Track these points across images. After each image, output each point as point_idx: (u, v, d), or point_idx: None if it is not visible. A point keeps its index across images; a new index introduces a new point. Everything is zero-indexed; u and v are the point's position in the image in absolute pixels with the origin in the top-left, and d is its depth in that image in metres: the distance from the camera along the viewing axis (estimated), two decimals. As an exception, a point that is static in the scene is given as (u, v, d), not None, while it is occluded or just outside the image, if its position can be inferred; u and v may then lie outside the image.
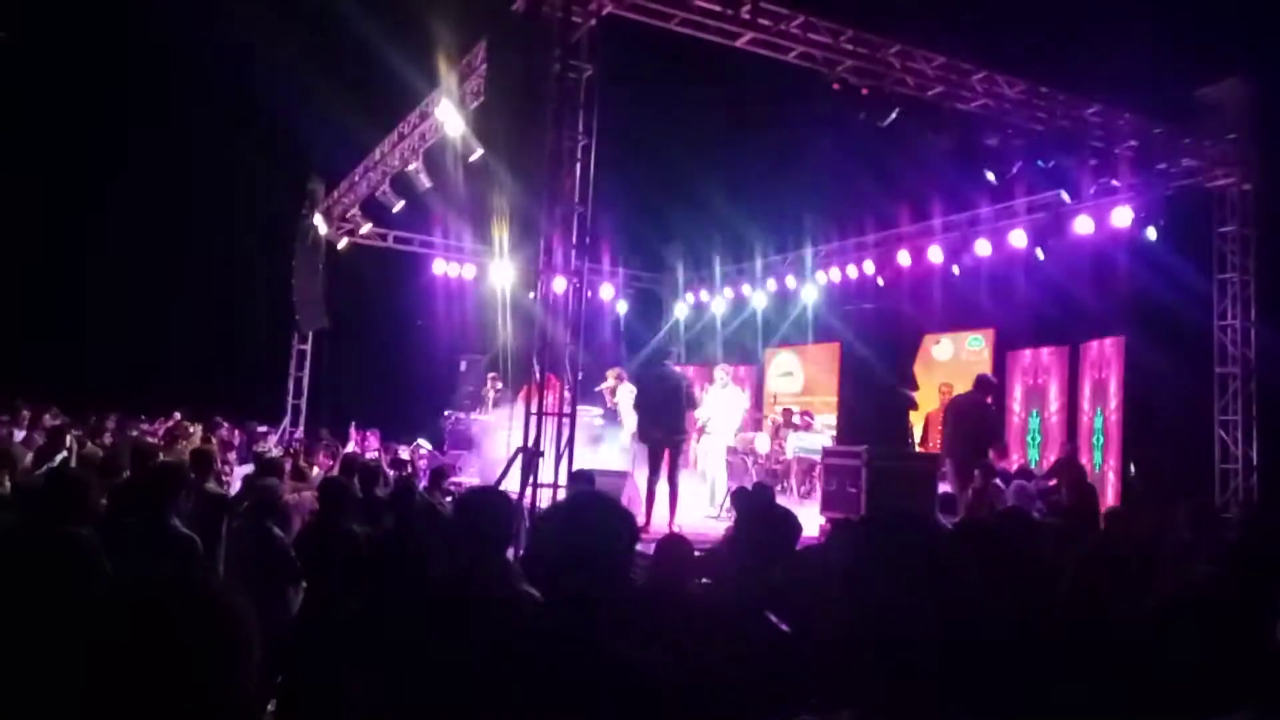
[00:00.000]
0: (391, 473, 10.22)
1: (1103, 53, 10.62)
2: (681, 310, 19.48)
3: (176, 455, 9.14)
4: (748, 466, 13.25)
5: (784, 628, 2.85)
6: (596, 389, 12.63)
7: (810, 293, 16.59)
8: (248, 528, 5.30)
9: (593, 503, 1.93)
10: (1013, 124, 10.51)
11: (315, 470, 9.43)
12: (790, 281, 16.99)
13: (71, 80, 16.29)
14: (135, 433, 10.93)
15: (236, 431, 13.29)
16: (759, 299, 17.75)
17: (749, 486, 10.09)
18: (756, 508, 3.48)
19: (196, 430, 11.07)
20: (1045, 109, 10.70)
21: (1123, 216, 11.60)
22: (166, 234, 17.24)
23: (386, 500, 6.44)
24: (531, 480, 7.88)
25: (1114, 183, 11.30)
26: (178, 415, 12.34)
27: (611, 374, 12.75)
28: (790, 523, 3.84)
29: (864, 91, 9.72)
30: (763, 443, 13.67)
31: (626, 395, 11.94)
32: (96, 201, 17.11)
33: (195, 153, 16.76)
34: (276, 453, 11.00)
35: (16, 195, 15.81)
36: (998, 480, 9.73)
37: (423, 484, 9.03)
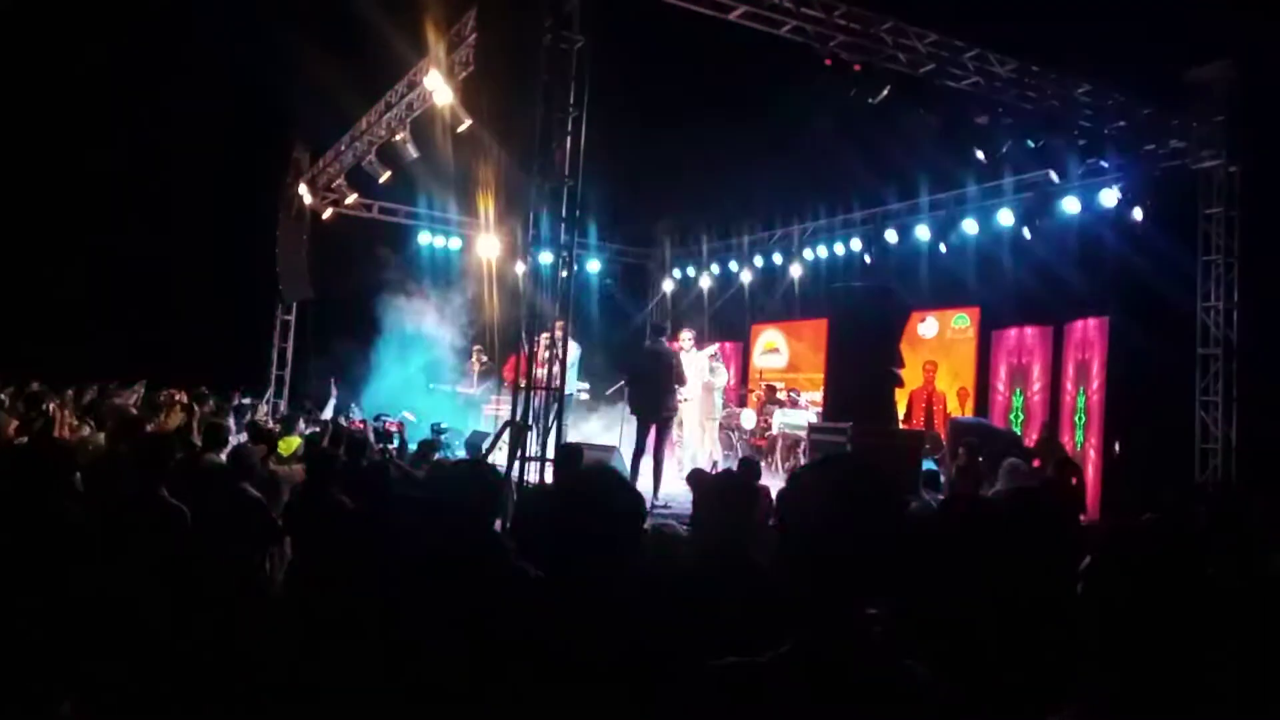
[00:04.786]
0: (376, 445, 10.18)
1: (1093, 33, 10.61)
2: (668, 286, 19.46)
3: (159, 425, 9.09)
4: (733, 441, 13.34)
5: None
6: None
7: (797, 269, 16.61)
8: (225, 492, 5.31)
9: (601, 479, 1.93)
10: (1003, 103, 10.51)
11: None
12: (777, 258, 17.00)
13: (49, 44, 15.99)
14: (118, 401, 10.80)
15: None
16: (746, 275, 17.75)
17: (734, 461, 10.16)
18: (711, 484, 3.48)
19: (180, 398, 10.95)
20: (1035, 88, 10.71)
21: (1109, 197, 11.66)
22: (146, 202, 17.00)
23: (361, 479, 6.36)
24: (519, 453, 7.90)
25: (1102, 163, 11.34)
26: (140, 388, 12.04)
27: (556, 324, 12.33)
28: (750, 494, 3.79)
29: (856, 68, 9.69)
30: (748, 418, 13.73)
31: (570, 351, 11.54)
32: (74, 168, 16.84)
33: (177, 120, 16.47)
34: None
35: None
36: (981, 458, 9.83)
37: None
